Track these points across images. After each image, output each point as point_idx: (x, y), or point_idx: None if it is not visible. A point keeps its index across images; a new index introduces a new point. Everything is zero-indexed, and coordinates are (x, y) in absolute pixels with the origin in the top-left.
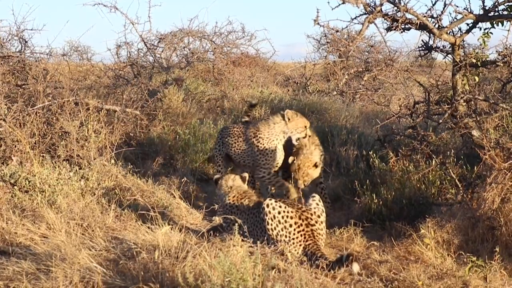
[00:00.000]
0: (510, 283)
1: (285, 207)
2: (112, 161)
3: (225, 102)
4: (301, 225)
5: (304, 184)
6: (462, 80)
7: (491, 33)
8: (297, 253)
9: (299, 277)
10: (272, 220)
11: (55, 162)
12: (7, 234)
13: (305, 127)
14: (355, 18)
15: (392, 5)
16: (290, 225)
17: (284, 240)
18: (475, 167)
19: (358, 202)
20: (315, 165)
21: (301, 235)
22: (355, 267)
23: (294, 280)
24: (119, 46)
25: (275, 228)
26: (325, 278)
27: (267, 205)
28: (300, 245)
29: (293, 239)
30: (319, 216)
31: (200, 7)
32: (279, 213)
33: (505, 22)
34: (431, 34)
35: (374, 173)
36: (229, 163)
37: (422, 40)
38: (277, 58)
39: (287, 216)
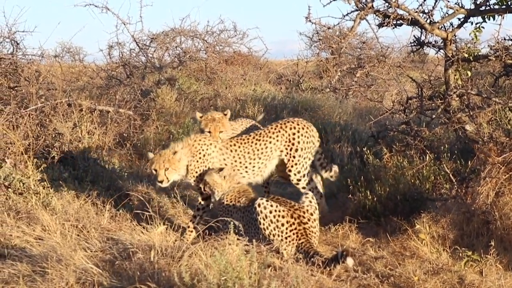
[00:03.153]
0: (505, 276)
1: (277, 206)
2: (106, 161)
3: (218, 100)
4: (294, 223)
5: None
6: (455, 75)
7: (482, 27)
8: (291, 251)
9: (295, 274)
10: (264, 220)
11: (49, 164)
12: (2, 236)
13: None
14: (346, 14)
15: (384, 1)
16: (282, 224)
17: (277, 239)
18: (469, 162)
19: (353, 198)
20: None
21: (293, 234)
22: (349, 261)
23: (290, 278)
24: (111, 46)
25: (267, 228)
26: (321, 275)
27: (259, 205)
28: (293, 244)
29: (286, 238)
30: (311, 214)
31: (191, 6)
32: (270, 212)
33: (496, 16)
34: (423, 30)
35: (369, 169)
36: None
37: (414, 36)
38: (270, 56)
39: (279, 215)
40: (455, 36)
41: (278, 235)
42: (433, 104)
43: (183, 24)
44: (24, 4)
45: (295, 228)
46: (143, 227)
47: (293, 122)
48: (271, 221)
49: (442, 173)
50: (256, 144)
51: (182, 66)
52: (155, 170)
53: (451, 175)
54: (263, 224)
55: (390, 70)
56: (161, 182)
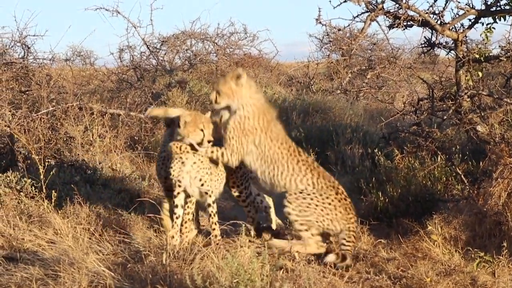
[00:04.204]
0: None
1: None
2: (118, 165)
3: None
4: (341, 199)
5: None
6: (466, 76)
7: (493, 28)
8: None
9: (307, 276)
10: (309, 206)
11: (61, 167)
12: (14, 240)
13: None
14: (357, 16)
15: (394, 3)
16: (329, 203)
17: (327, 219)
18: (481, 163)
19: (364, 200)
20: None
21: (343, 209)
22: (329, 258)
23: (302, 280)
24: (122, 50)
25: (313, 213)
26: (333, 277)
27: (290, 202)
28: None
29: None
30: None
31: (202, 9)
32: (311, 199)
33: (507, 17)
34: (434, 31)
35: (380, 170)
36: None
37: (425, 37)
38: (280, 58)
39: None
40: (466, 37)
41: (327, 214)
42: (444, 105)
43: (194, 27)
44: (35, 8)
45: (344, 203)
46: (155, 230)
47: None
48: (316, 205)
49: (454, 174)
50: None
51: (192, 68)
52: (202, 130)
53: (462, 176)
54: (306, 211)
55: (401, 71)
56: (210, 141)
